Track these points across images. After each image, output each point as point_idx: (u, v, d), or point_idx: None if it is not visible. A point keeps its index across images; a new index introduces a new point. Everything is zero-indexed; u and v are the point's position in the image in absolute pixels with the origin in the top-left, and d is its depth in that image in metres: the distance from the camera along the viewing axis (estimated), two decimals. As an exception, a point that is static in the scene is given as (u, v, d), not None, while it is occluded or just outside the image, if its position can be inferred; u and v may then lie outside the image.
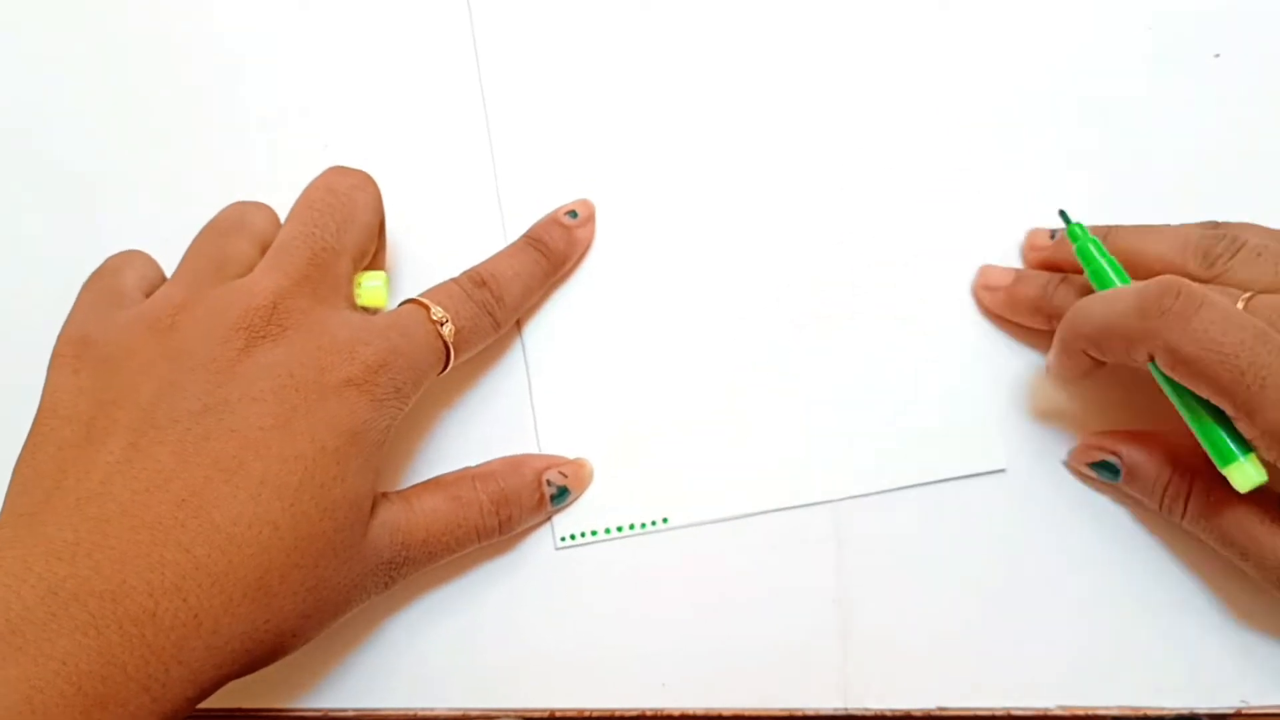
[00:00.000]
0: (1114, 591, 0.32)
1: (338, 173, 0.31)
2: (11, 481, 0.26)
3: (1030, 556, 0.33)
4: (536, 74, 0.37)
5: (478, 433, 0.34)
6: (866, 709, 0.32)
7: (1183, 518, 0.30)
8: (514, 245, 0.34)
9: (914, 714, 0.32)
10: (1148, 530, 0.33)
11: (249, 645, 0.25)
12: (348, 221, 0.30)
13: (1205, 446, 0.28)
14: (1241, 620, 0.32)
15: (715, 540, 0.33)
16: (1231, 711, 0.31)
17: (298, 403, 0.27)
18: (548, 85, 0.37)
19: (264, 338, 0.27)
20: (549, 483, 0.33)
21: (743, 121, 0.36)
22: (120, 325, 0.28)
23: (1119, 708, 0.31)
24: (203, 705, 0.31)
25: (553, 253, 0.34)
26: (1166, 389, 0.29)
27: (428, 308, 0.30)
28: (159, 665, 0.23)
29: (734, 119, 0.36)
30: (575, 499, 0.33)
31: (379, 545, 0.29)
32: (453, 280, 0.32)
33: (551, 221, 0.34)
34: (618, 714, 0.32)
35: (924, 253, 0.35)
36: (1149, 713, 0.31)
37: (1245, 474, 0.27)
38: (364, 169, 0.32)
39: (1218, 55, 0.36)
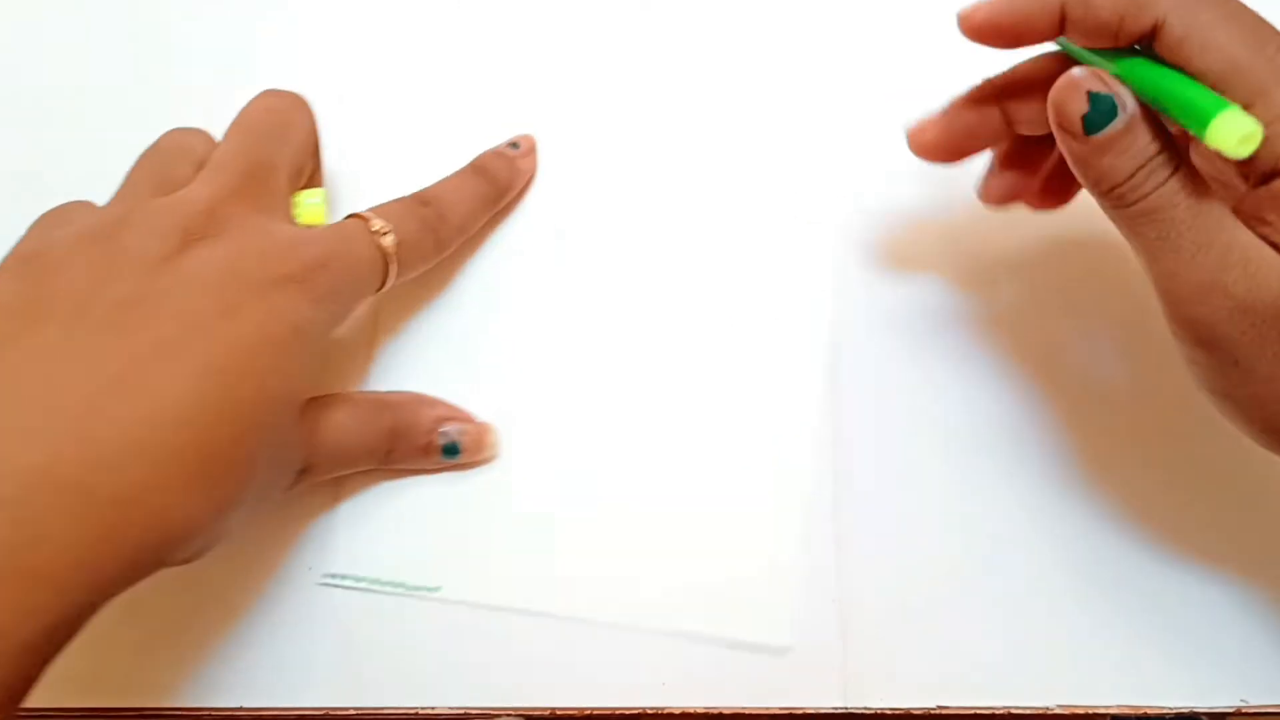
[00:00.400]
0: (1114, 590, 0.32)
1: (272, 94, 0.32)
2: None
3: (1030, 556, 0.33)
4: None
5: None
6: (866, 708, 0.32)
7: (1165, 182, 0.25)
8: (458, 171, 0.35)
9: (914, 713, 0.32)
10: (1148, 530, 0.33)
11: (187, 529, 0.25)
12: (283, 139, 0.31)
13: (1178, 117, 0.24)
14: (1241, 619, 0.32)
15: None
16: (1231, 710, 0.31)
17: (240, 292, 0.27)
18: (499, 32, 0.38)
19: (202, 239, 0.27)
20: (443, 433, 0.32)
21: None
22: (62, 238, 0.28)
23: (1119, 707, 0.31)
24: (202, 705, 0.31)
25: (496, 180, 0.35)
26: (1132, 68, 0.25)
27: (368, 220, 0.30)
28: (93, 537, 0.23)
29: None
30: (470, 461, 0.33)
31: (298, 445, 0.29)
32: (396, 199, 0.32)
33: (494, 153, 0.36)
34: (618, 712, 0.32)
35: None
36: (1149, 711, 0.31)
37: (1236, 124, 0.23)
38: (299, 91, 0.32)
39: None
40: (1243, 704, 0.31)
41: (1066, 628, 0.32)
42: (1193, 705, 0.31)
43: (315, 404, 0.30)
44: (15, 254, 0.29)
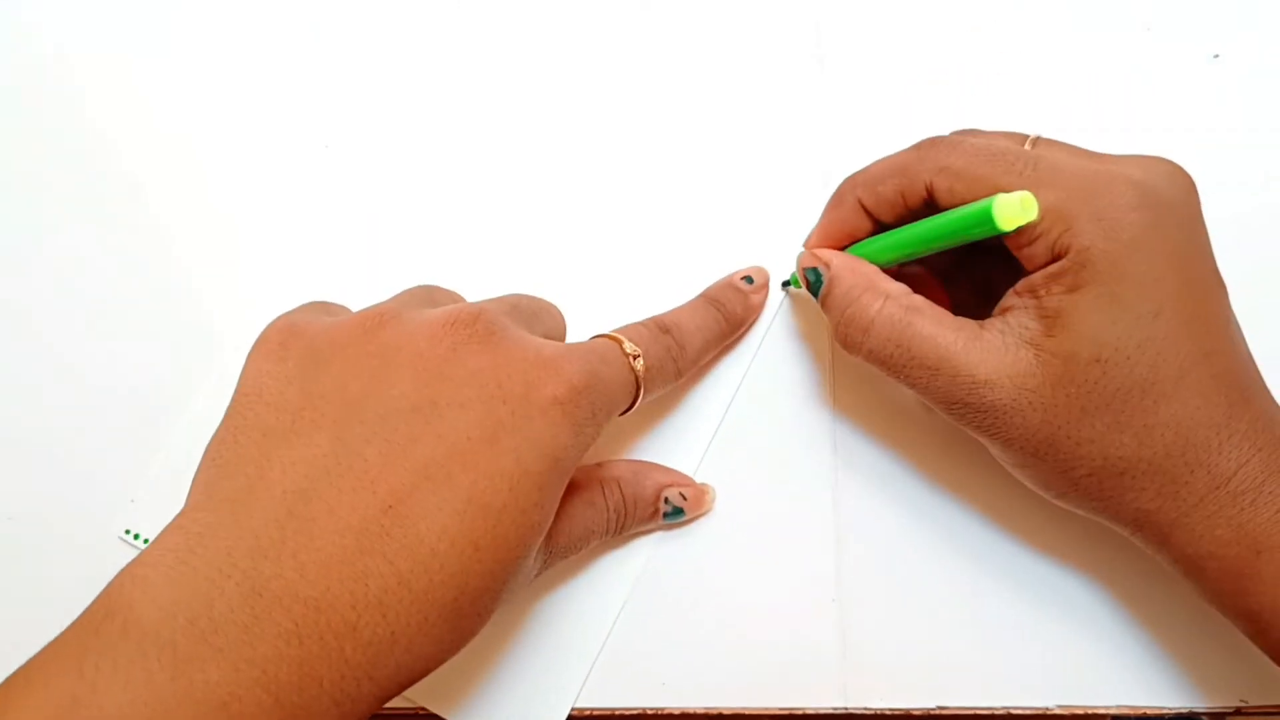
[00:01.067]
0: (1113, 591, 0.32)
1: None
2: (208, 460, 0.25)
3: (1030, 556, 0.33)
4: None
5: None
6: (866, 708, 0.32)
7: (866, 334, 0.29)
8: (694, 302, 0.34)
9: (914, 713, 0.32)
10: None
11: (430, 668, 0.24)
12: (541, 309, 0.31)
13: (961, 231, 0.28)
14: (1241, 620, 0.32)
15: (715, 539, 0.33)
16: (1231, 710, 0.31)
17: (504, 417, 0.25)
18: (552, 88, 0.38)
19: (471, 339, 0.26)
20: (667, 500, 0.33)
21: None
22: (329, 323, 0.27)
23: (1119, 707, 0.31)
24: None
25: (730, 315, 0.34)
26: (889, 240, 0.30)
27: (620, 341, 0.29)
28: (353, 681, 0.22)
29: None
30: (689, 520, 0.34)
31: (539, 559, 0.28)
32: (638, 323, 0.31)
33: (728, 285, 0.35)
34: (618, 713, 0.32)
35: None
36: (1149, 712, 0.31)
37: (1010, 201, 0.26)
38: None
39: (1217, 55, 0.36)
40: (1242, 704, 0.31)
41: (1066, 628, 0.32)
42: (1192, 705, 0.31)
43: None
44: (280, 325, 0.27)
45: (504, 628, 0.32)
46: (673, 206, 0.36)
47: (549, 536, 0.28)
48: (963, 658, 0.32)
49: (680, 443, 0.34)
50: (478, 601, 0.24)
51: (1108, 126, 0.36)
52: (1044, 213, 0.27)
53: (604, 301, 0.35)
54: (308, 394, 0.25)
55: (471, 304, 0.27)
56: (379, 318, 0.27)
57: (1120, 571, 0.32)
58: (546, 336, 0.29)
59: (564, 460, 0.26)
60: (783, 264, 0.35)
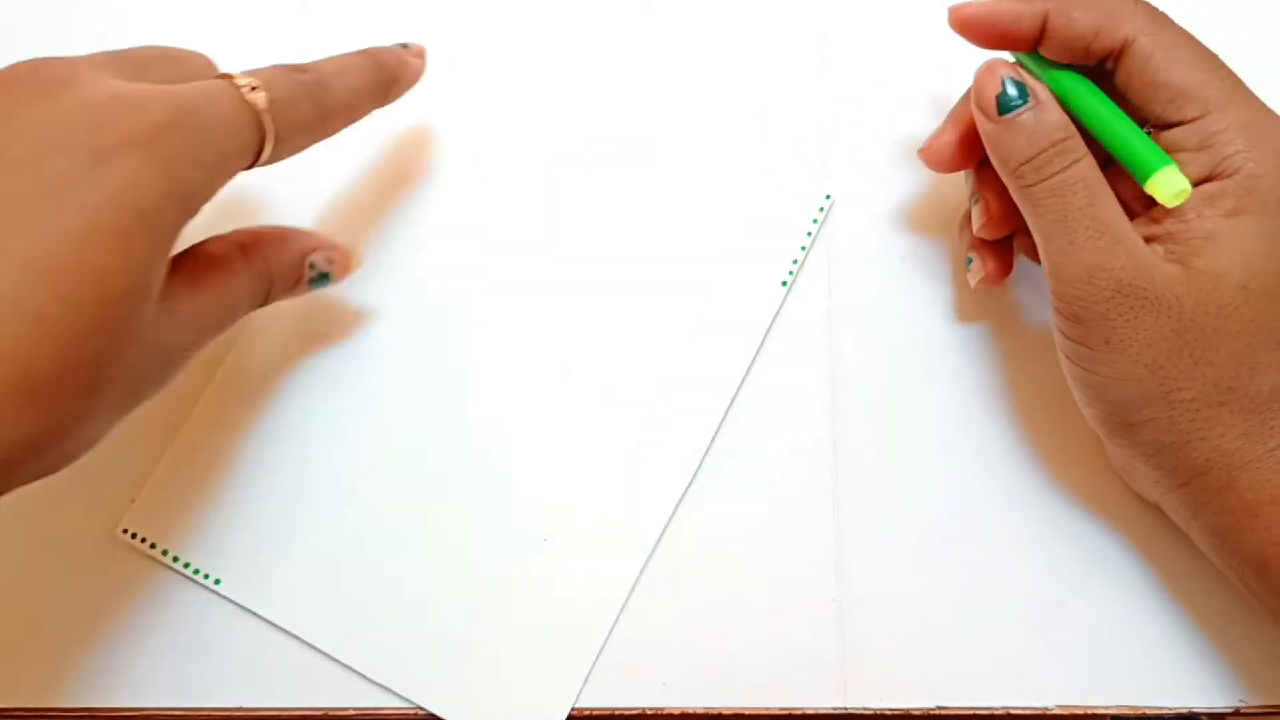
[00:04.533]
0: (1112, 591, 0.32)
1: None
2: None
3: (1031, 556, 0.33)
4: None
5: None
6: (866, 708, 0.32)
7: (1053, 178, 0.28)
8: (345, 52, 0.31)
9: (914, 713, 0.32)
10: (1146, 530, 0.33)
11: (18, 454, 0.23)
12: (163, 53, 0.28)
13: (1125, 157, 0.28)
14: (1239, 620, 0.32)
15: (715, 539, 0.33)
16: (1231, 710, 0.31)
17: (66, 169, 0.23)
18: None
19: (27, 93, 0.24)
20: (312, 265, 0.31)
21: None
22: None
23: (1118, 707, 0.31)
24: (204, 704, 0.32)
25: (384, 65, 0.31)
26: (1086, 102, 0.28)
27: (232, 76, 0.27)
28: None
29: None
30: (335, 283, 0.32)
31: (172, 334, 0.26)
32: (269, 65, 0.29)
33: (383, 46, 0.33)
34: (618, 713, 0.32)
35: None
36: (1148, 712, 0.31)
37: (1173, 181, 0.27)
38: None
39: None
40: (1242, 704, 0.31)
41: (1064, 628, 0.32)
42: (1192, 705, 0.31)
43: (184, 276, 0.27)
44: None
45: (504, 627, 0.32)
46: (672, 207, 0.36)
47: (189, 310, 0.26)
48: (963, 658, 0.32)
49: (681, 443, 0.34)
50: (63, 378, 0.23)
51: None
52: (1226, 128, 0.27)
53: (599, 299, 0.35)
54: None
55: (43, 59, 0.25)
56: None
57: (1120, 571, 0.32)
58: (166, 74, 0.27)
59: (156, 209, 0.24)
60: (782, 264, 0.35)
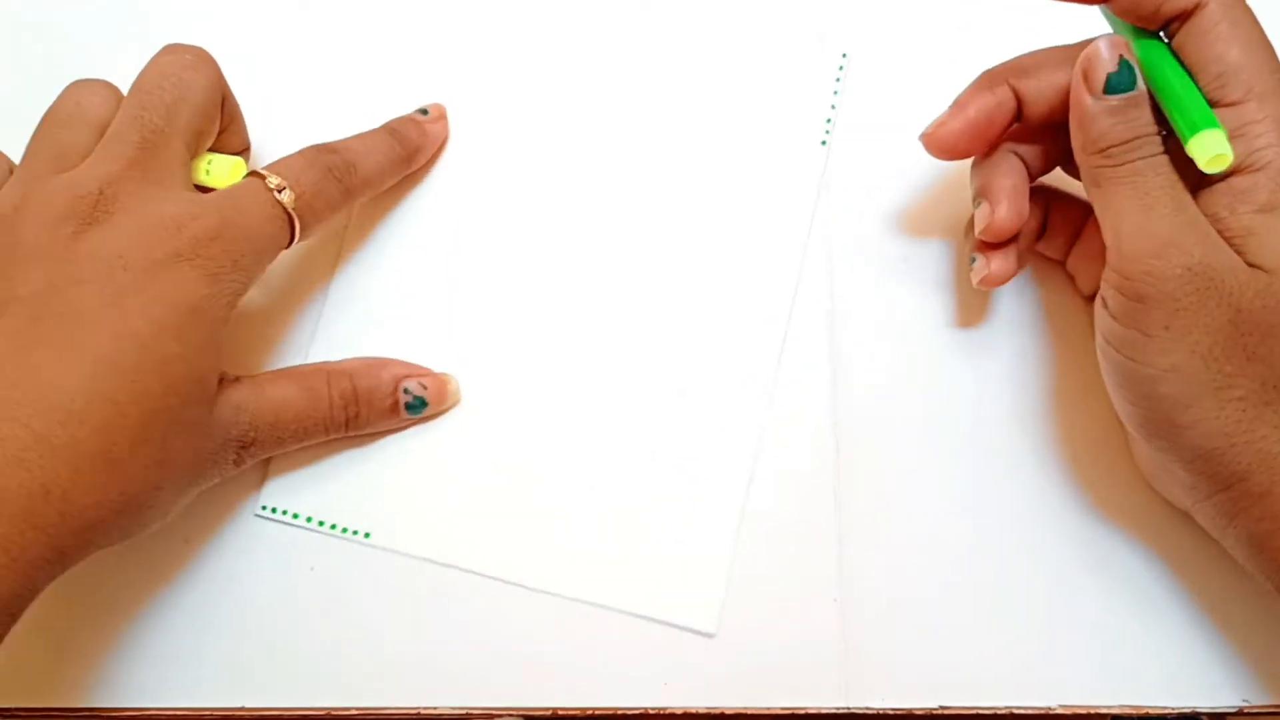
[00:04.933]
0: (1114, 591, 0.32)
1: (169, 52, 0.32)
2: None
3: (1034, 556, 0.33)
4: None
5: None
6: (868, 708, 0.32)
7: (1146, 160, 0.28)
8: (368, 131, 0.35)
9: (915, 713, 0.32)
10: (1148, 529, 0.33)
11: (104, 514, 0.26)
12: (179, 102, 0.30)
13: (1177, 113, 0.27)
14: (1243, 619, 0.32)
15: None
16: (1233, 710, 0.31)
17: (127, 282, 0.27)
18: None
19: (92, 224, 0.28)
20: (406, 390, 0.33)
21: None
22: None
23: (1120, 707, 0.31)
24: (205, 704, 0.32)
25: (406, 140, 0.35)
26: (1155, 58, 0.28)
27: (264, 177, 0.30)
28: (15, 531, 0.25)
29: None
30: (435, 413, 0.34)
31: (227, 423, 0.30)
32: (300, 150, 0.32)
33: (403, 117, 0.36)
34: (620, 712, 0.32)
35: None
36: (1150, 711, 0.31)
37: (1214, 144, 0.26)
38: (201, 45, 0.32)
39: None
40: (1244, 704, 0.31)
41: (1067, 628, 0.32)
42: (1194, 705, 0.31)
43: (255, 380, 0.31)
44: None
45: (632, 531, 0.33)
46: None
47: (254, 415, 0.30)
48: (964, 657, 0.32)
49: (720, 463, 0.34)
50: (135, 453, 0.27)
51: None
52: (1262, 119, 0.26)
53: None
54: None
55: (93, 176, 0.28)
56: (10, 213, 0.28)
57: (1121, 572, 0.32)
58: (189, 130, 0.30)
59: (203, 309, 0.28)
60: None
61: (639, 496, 0.33)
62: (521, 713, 0.32)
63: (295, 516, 0.33)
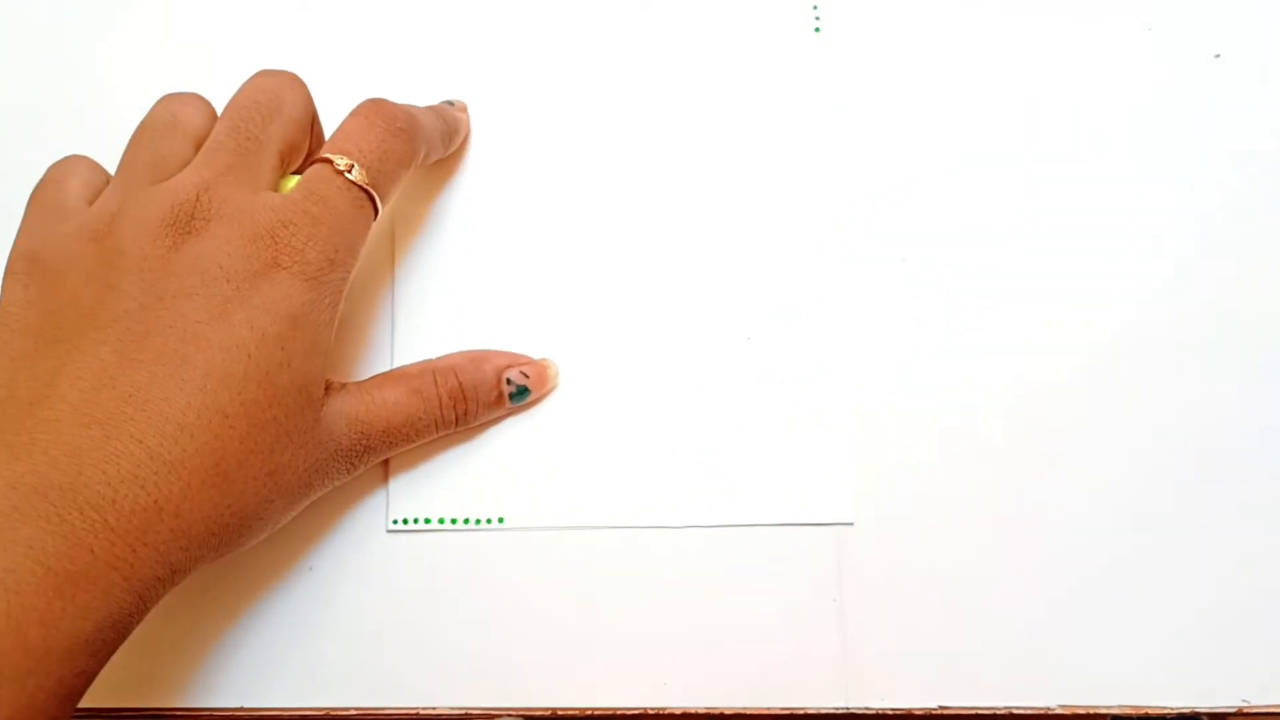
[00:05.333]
0: (1114, 590, 0.32)
1: (264, 74, 0.32)
2: None
3: (1031, 555, 0.33)
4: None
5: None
6: (868, 708, 0.32)
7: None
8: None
9: (915, 713, 0.32)
10: (1147, 529, 0.33)
11: (214, 529, 0.27)
12: (274, 114, 0.31)
13: None
14: (1243, 619, 0.32)
15: (715, 539, 0.33)
16: (1233, 711, 0.31)
17: (230, 293, 0.27)
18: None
19: (190, 233, 0.28)
20: (509, 380, 0.34)
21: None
22: (63, 237, 0.29)
23: (1120, 707, 0.31)
24: (212, 705, 0.32)
25: (446, 114, 0.35)
26: None
27: (331, 160, 0.30)
28: (124, 546, 0.25)
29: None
30: (537, 399, 0.34)
31: (336, 433, 0.30)
32: (352, 112, 0.32)
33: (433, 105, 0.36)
34: (620, 713, 0.32)
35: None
36: (1150, 712, 0.31)
37: None
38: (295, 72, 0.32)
39: (1218, 55, 0.36)
40: (1244, 704, 0.31)
41: (1067, 628, 0.32)
42: (1194, 705, 0.31)
43: (361, 386, 0.31)
44: (21, 251, 0.29)
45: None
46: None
47: (365, 423, 0.31)
48: (964, 657, 0.32)
49: (817, 369, 0.34)
50: (244, 465, 0.27)
51: (1106, 125, 0.36)
52: None
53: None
54: (46, 313, 0.28)
55: (190, 183, 0.29)
56: (108, 222, 0.28)
57: (1122, 571, 0.32)
58: (283, 141, 0.30)
59: (307, 315, 0.28)
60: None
61: (751, 418, 0.34)
62: (521, 713, 0.32)
63: (428, 521, 0.34)
